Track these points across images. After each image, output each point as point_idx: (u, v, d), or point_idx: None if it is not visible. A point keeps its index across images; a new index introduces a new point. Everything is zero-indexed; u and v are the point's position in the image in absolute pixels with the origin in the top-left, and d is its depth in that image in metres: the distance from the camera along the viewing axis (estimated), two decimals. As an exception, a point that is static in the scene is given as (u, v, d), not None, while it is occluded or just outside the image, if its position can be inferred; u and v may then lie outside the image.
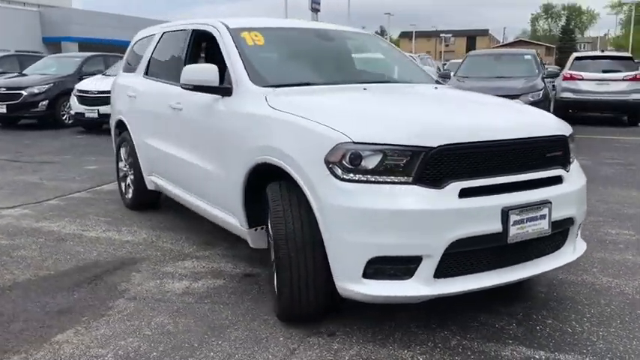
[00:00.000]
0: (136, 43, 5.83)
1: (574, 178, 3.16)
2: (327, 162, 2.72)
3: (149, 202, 5.46)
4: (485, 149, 2.78)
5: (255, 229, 3.54)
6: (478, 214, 2.69)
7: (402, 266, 2.68)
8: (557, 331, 3.01)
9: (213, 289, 3.62)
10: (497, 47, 68.58)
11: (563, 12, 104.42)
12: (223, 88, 3.66)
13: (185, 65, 4.34)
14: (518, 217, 2.77)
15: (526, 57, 11.71)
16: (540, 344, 2.87)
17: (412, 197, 2.64)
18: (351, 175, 2.68)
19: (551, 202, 2.89)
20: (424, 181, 2.66)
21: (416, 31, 68.89)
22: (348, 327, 3.04)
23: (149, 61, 5.18)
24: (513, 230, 2.77)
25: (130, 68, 5.72)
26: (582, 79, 13.31)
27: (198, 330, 3.05)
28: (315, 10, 27.27)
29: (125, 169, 5.60)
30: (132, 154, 5.27)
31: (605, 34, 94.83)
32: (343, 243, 2.68)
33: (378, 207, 2.62)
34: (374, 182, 2.67)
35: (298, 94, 3.44)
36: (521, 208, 2.78)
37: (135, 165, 5.24)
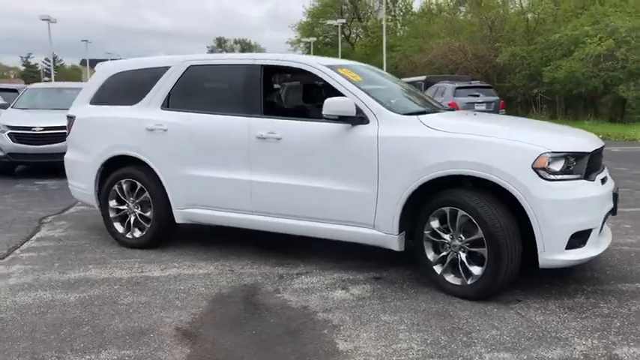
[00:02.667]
0: (112, 76, 5.52)
1: None
2: (533, 168, 3.71)
3: (165, 238, 5.30)
4: (598, 153, 4.15)
5: (401, 235, 4.22)
6: (609, 196, 4.03)
7: (581, 238, 3.82)
8: (627, 272, 4.48)
9: (373, 292, 4.12)
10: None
11: (236, 45, 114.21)
12: (359, 118, 4.22)
13: (261, 98, 4.70)
14: (617, 198, 4.20)
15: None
16: (633, 279, 4.31)
17: (588, 188, 3.83)
18: (550, 175, 3.73)
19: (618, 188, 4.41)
20: (586, 177, 3.88)
21: (91, 59, 65.54)
22: (517, 294, 4.01)
23: (169, 94, 5.11)
24: (617, 206, 4.18)
25: (112, 101, 5.41)
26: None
27: (438, 318, 3.65)
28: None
29: (126, 207, 5.29)
30: (150, 189, 5.09)
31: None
32: (554, 226, 3.69)
33: (574, 197, 3.75)
34: (564, 180, 3.77)
35: (444, 119, 4.30)
36: (615, 192, 4.21)
37: (157, 200, 5.08)
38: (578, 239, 3.81)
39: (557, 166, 3.77)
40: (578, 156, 3.85)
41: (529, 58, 26.31)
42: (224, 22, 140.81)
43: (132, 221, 5.29)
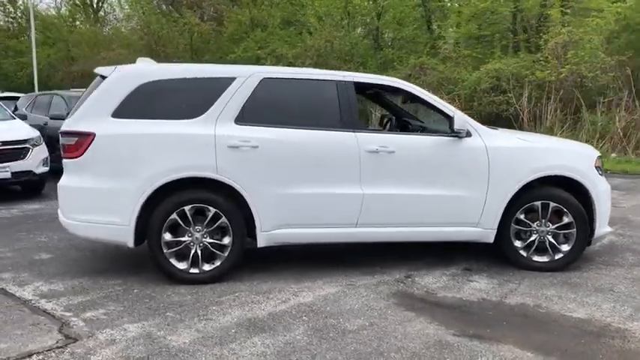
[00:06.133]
0: (143, 85, 4.60)
1: None
2: (595, 167, 5.15)
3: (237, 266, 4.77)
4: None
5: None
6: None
7: (607, 216, 5.46)
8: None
9: (495, 279, 4.86)
10: None
11: None
12: (467, 132, 4.90)
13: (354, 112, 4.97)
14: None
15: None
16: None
17: (606, 181, 5.48)
18: (599, 172, 5.23)
19: None
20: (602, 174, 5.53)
21: None
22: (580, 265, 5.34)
23: (243, 108, 4.64)
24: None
25: (153, 114, 4.57)
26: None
27: (578, 286, 4.68)
28: None
29: (188, 238, 4.55)
30: (229, 213, 4.57)
31: None
32: (605, 208, 5.20)
33: (608, 187, 5.34)
34: (602, 175, 5.32)
35: (521, 134, 5.31)
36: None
37: (238, 225, 4.59)
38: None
39: (599, 165, 5.30)
40: (601, 158, 5.46)
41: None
42: None
43: (198, 253, 4.58)
